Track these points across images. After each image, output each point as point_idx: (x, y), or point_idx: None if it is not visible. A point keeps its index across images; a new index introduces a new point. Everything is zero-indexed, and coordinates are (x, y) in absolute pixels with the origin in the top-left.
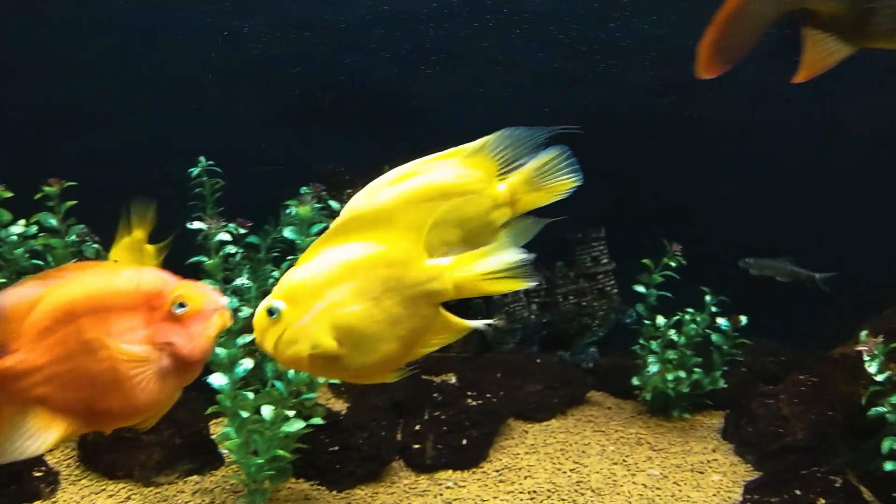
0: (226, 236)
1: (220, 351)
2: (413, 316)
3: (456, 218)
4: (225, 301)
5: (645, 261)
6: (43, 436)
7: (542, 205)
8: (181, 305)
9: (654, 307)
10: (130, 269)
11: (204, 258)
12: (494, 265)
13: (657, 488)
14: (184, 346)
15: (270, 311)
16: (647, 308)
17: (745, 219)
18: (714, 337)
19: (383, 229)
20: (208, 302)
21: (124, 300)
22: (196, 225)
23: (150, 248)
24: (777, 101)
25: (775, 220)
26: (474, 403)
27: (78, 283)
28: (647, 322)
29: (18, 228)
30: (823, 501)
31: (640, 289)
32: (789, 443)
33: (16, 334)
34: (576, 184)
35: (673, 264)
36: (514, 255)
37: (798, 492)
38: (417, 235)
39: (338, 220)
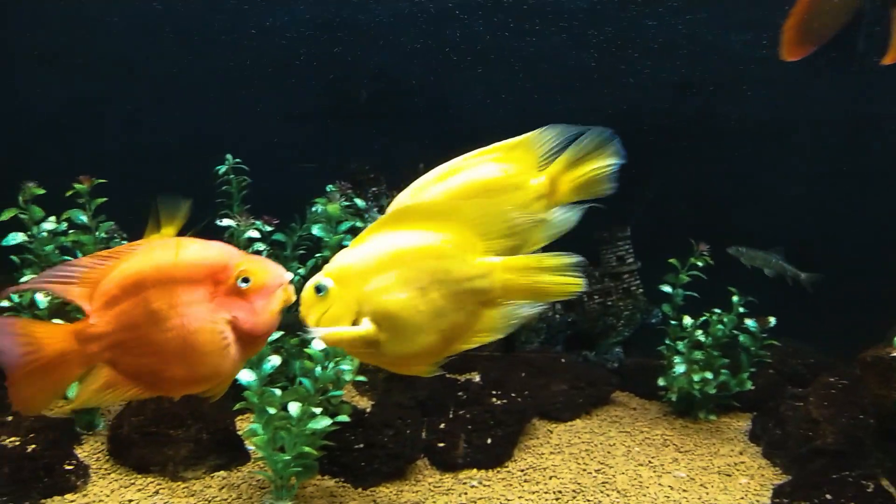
0: (254, 233)
1: None
2: (457, 311)
3: (499, 212)
4: (289, 277)
5: (672, 260)
6: (106, 394)
7: (584, 196)
8: (245, 280)
9: (681, 307)
10: (197, 243)
11: None
12: (545, 266)
13: (684, 490)
14: (246, 321)
15: (318, 288)
16: (674, 308)
17: (774, 218)
18: (742, 338)
19: (437, 222)
20: (272, 277)
21: (190, 273)
22: (225, 222)
23: None
24: (808, 98)
25: (805, 220)
26: (499, 402)
27: (147, 257)
28: (673, 322)
29: (50, 225)
30: None
31: (667, 289)
32: (819, 446)
33: (89, 301)
34: (617, 161)
35: (700, 264)
36: (566, 258)
37: (829, 496)
38: (470, 231)
39: (388, 212)
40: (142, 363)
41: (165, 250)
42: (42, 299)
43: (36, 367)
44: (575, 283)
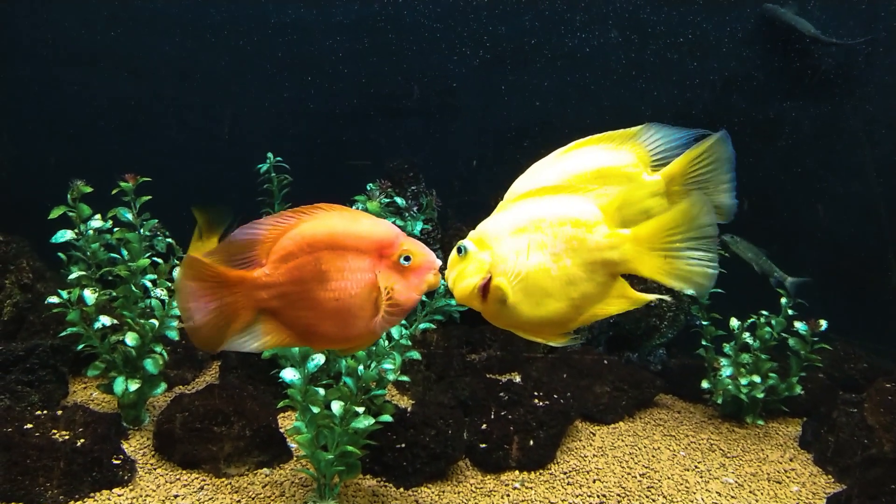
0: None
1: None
2: (588, 280)
3: (626, 201)
4: (439, 263)
5: None
6: (264, 339)
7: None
8: (406, 258)
9: (718, 307)
10: (370, 218)
11: None
12: (674, 245)
13: (732, 497)
14: (400, 294)
15: (459, 249)
16: (701, 309)
17: (826, 218)
18: (791, 341)
19: (577, 192)
20: (427, 261)
21: (360, 243)
22: None
23: None
24: (857, 95)
25: (855, 218)
26: (541, 404)
27: (325, 221)
28: (705, 324)
29: (97, 223)
30: None
31: (690, 290)
32: (875, 455)
33: (266, 253)
34: (733, 175)
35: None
36: (702, 218)
37: None
38: (607, 205)
39: (529, 189)
40: (300, 315)
41: (342, 218)
42: (90, 296)
43: (213, 307)
44: (706, 269)
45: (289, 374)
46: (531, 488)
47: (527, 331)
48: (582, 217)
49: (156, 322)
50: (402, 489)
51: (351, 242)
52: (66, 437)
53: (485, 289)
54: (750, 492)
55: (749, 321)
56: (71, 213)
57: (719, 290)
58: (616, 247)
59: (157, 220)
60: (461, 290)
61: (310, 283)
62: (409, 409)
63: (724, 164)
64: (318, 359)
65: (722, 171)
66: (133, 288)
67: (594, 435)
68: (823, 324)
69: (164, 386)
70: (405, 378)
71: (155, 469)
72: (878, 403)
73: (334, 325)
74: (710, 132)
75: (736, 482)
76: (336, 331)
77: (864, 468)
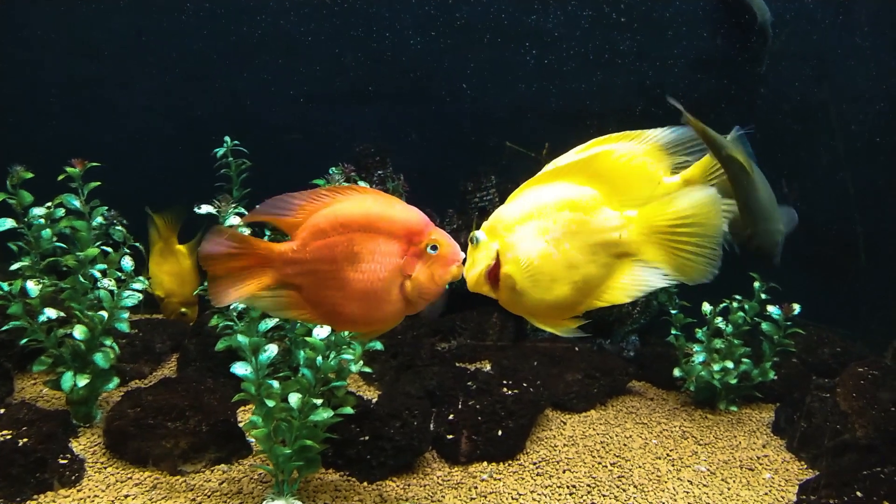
0: (236, 220)
1: (242, 339)
2: (590, 263)
3: (631, 200)
4: (463, 256)
5: None
6: (285, 312)
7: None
8: (434, 248)
9: (691, 294)
10: (402, 204)
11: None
12: (680, 225)
13: (704, 485)
14: (425, 282)
15: (472, 239)
16: (670, 297)
17: (798, 201)
18: (764, 326)
19: (580, 177)
20: (453, 252)
21: (392, 229)
22: (204, 209)
23: (182, 248)
24: (835, 76)
25: (827, 201)
26: (510, 393)
27: (360, 203)
28: (674, 312)
29: (41, 210)
30: None
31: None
32: (848, 440)
33: (297, 228)
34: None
35: None
36: (714, 219)
37: (859, 493)
38: (610, 187)
39: (543, 170)
40: (326, 294)
41: (377, 202)
42: (33, 287)
43: (235, 266)
44: (707, 267)
45: (239, 370)
46: (500, 479)
47: (538, 316)
48: (580, 200)
49: (105, 314)
50: (366, 483)
51: (384, 226)
52: (8, 437)
53: (495, 276)
54: (722, 479)
55: (722, 306)
56: (11, 201)
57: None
58: (620, 228)
59: (107, 208)
60: (471, 278)
61: (340, 263)
62: (373, 401)
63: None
64: (270, 351)
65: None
66: (81, 279)
67: (565, 424)
68: (797, 307)
69: (116, 381)
70: (368, 369)
71: (105, 468)
72: (851, 388)
73: (360, 306)
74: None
75: (708, 470)
76: (361, 313)
77: (837, 454)
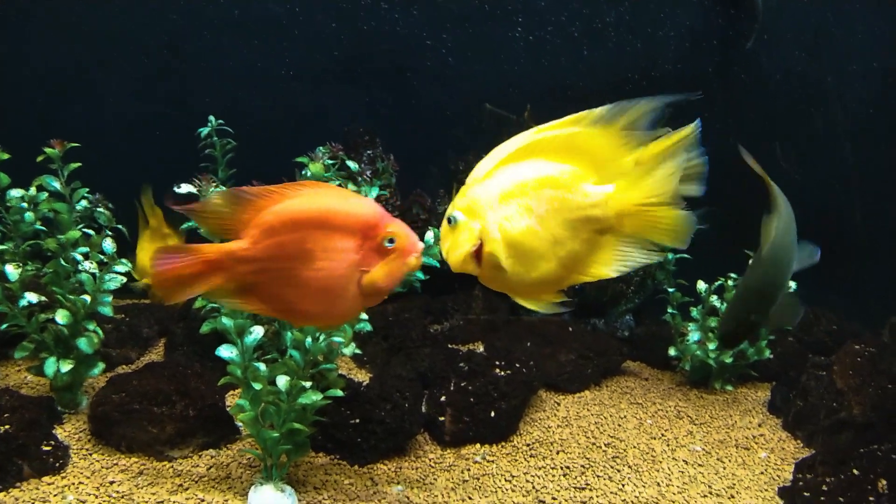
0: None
1: (227, 321)
2: (573, 239)
3: (609, 176)
4: (422, 246)
5: None
6: (241, 307)
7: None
8: (391, 241)
9: (687, 272)
10: (358, 198)
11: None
12: (658, 197)
13: (699, 465)
14: (381, 276)
15: (449, 220)
16: (668, 275)
17: (795, 177)
18: None
19: (557, 154)
20: (411, 244)
21: (347, 224)
22: (184, 189)
23: (170, 231)
24: (827, 53)
25: (829, 178)
26: (503, 374)
27: (312, 198)
28: (671, 290)
29: (18, 192)
30: (885, 482)
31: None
32: (845, 418)
33: (247, 225)
34: (704, 167)
35: None
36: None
37: (856, 471)
38: (588, 162)
39: (517, 147)
40: (280, 292)
41: (330, 197)
42: (13, 271)
43: (184, 272)
44: (685, 223)
45: (225, 352)
46: (493, 461)
47: (521, 293)
48: (560, 178)
49: (88, 298)
50: (356, 466)
51: (337, 221)
52: None
53: (478, 255)
54: (717, 459)
55: (717, 284)
56: None
57: (686, 256)
58: (599, 204)
59: (87, 190)
60: (455, 259)
61: (293, 262)
62: (364, 383)
63: (695, 157)
64: (256, 333)
65: (693, 165)
66: (63, 262)
67: (559, 405)
68: (792, 285)
69: (102, 366)
70: (358, 351)
71: (91, 454)
72: (848, 366)
73: (316, 304)
74: (684, 96)
75: (703, 450)
76: (317, 309)
77: (833, 432)
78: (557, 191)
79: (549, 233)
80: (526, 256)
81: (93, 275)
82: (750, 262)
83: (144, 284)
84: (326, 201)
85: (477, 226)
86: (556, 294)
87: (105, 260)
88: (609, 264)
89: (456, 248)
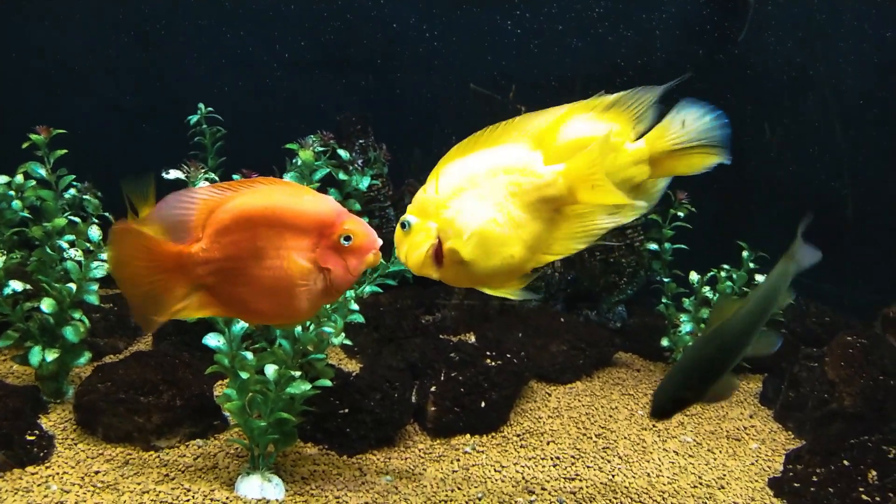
0: (206, 185)
1: None
2: (535, 220)
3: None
4: (380, 243)
5: (652, 216)
6: (198, 311)
7: (682, 174)
8: (347, 238)
9: (680, 263)
10: (312, 195)
11: None
12: (599, 161)
13: (690, 456)
14: (338, 275)
15: (403, 225)
16: (664, 266)
17: (788, 166)
18: None
19: (501, 142)
20: (368, 241)
21: (300, 221)
22: (172, 175)
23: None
24: (823, 41)
25: (820, 167)
26: (494, 364)
27: (264, 196)
28: (666, 280)
29: (3, 179)
30: (875, 473)
31: (653, 246)
32: (836, 409)
33: (202, 226)
34: (720, 160)
35: (681, 214)
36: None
37: (846, 462)
38: (536, 144)
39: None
40: (236, 292)
41: (283, 195)
42: None
43: (149, 282)
44: (615, 189)
45: (212, 341)
46: (482, 452)
47: (486, 284)
48: (512, 163)
49: (73, 286)
50: (345, 457)
51: (290, 219)
52: None
53: (438, 255)
54: (708, 450)
55: (709, 274)
56: None
57: (682, 247)
58: (552, 183)
59: (74, 177)
60: (415, 262)
61: (246, 261)
62: (354, 373)
63: (704, 128)
64: (244, 322)
65: (705, 135)
66: (49, 250)
67: (550, 395)
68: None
69: (88, 355)
70: (348, 342)
71: (76, 444)
72: (839, 357)
73: (271, 303)
74: (680, 79)
75: (694, 441)
76: (271, 308)
77: (824, 423)
78: (511, 175)
79: (509, 218)
80: (488, 245)
81: (78, 263)
82: (699, 335)
83: None
84: (279, 199)
85: (432, 225)
86: (521, 279)
87: (91, 248)
88: (574, 238)
89: (414, 250)
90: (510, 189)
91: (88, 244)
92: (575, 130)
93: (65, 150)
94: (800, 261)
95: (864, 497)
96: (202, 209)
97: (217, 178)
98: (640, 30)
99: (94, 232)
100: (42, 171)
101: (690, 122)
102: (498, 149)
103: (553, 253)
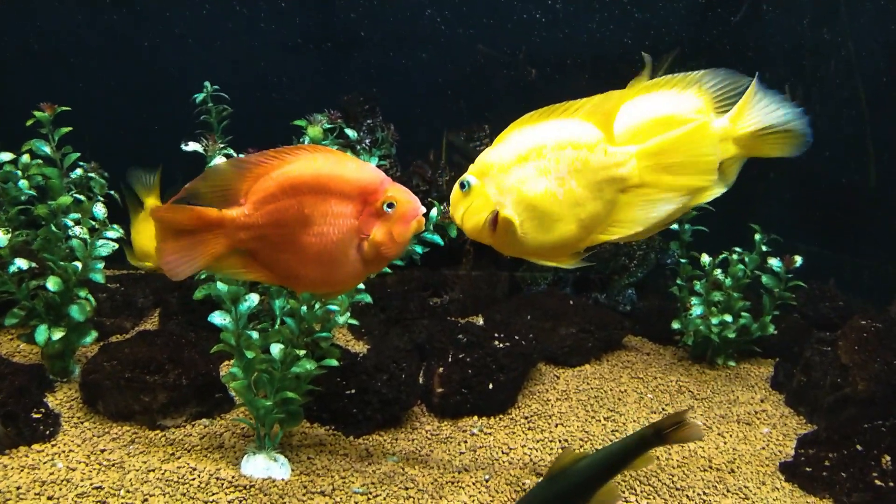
0: (222, 160)
1: (222, 287)
2: (595, 200)
3: (692, 148)
4: (423, 210)
5: None
6: (243, 275)
7: (764, 153)
8: (390, 205)
9: (693, 244)
10: (356, 162)
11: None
12: (682, 152)
13: (700, 440)
14: (383, 243)
15: (462, 185)
16: (682, 246)
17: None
18: (765, 279)
19: (574, 117)
20: (412, 208)
21: (345, 189)
22: (191, 146)
23: None
24: (840, 22)
25: (833, 150)
26: (502, 346)
27: (309, 164)
28: (682, 261)
29: (6, 156)
30: (889, 458)
31: (673, 226)
32: (849, 394)
33: (246, 192)
34: (805, 127)
35: None
36: (703, 147)
37: (859, 447)
38: (607, 121)
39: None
40: (280, 258)
41: (327, 161)
42: (2, 237)
43: (187, 240)
44: (708, 170)
45: (218, 319)
46: (490, 434)
47: (538, 256)
48: (581, 139)
49: (79, 265)
50: (352, 437)
51: (335, 186)
52: None
53: (493, 221)
54: (718, 434)
55: (721, 257)
56: None
57: (701, 228)
58: (623, 163)
59: (78, 155)
60: (472, 227)
61: (292, 227)
62: (361, 354)
63: (785, 105)
64: (251, 300)
65: (785, 111)
66: (54, 228)
67: (558, 378)
68: (798, 260)
69: (94, 334)
70: (354, 322)
71: (82, 423)
72: (853, 341)
73: (316, 269)
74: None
75: (704, 425)
76: (318, 275)
77: (837, 408)
78: (579, 151)
79: (570, 195)
80: (544, 219)
81: (83, 241)
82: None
83: (148, 268)
84: (323, 166)
85: (493, 190)
86: (573, 256)
87: (96, 226)
88: (635, 221)
89: (472, 214)
90: (575, 165)
91: (94, 222)
92: (656, 108)
93: (69, 128)
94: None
95: (877, 482)
96: (248, 176)
97: (233, 153)
98: (647, 11)
99: (100, 209)
100: (46, 149)
101: (774, 107)
102: (569, 122)
103: (610, 234)
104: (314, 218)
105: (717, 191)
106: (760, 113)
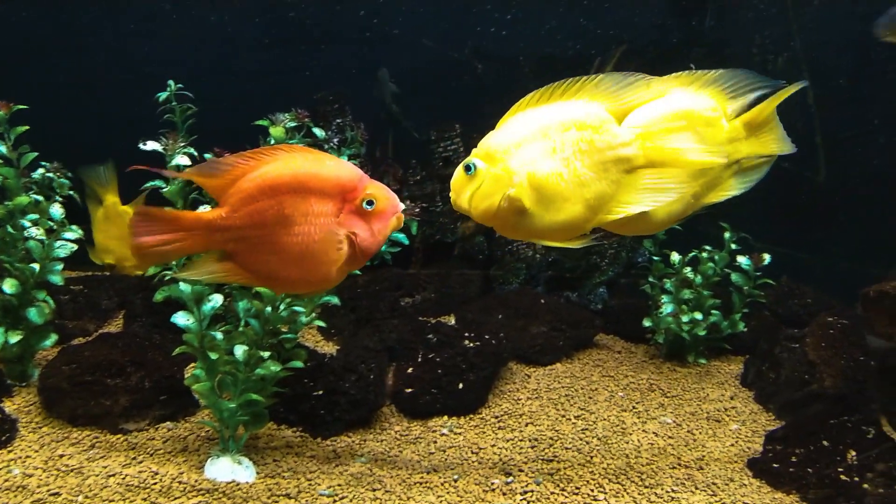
0: (185, 160)
1: (184, 287)
2: (601, 180)
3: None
4: (402, 206)
5: None
6: (222, 277)
7: (765, 152)
8: (370, 203)
9: (664, 243)
10: (334, 160)
11: (161, 183)
12: (677, 115)
13: (669, 437)
14: (364, 239)
15: (468, 168)
16: (655, 244)
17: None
18: (734, 277)
19: (577, 97)
20: (391, 204)
21: (324, 187)
22: (149, 145)
23: (126, 209)
24: (803, 20)
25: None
26: (472, 345)
27: (287, 164)
28: (655, 259)
29: None
30: (854, 453)
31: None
32: (816, 390)
33: (225, 194)
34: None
35: None
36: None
37: (826, 443)
38: (612, 102)
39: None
40: (261, 259)
41: (306, 161)
42: None
43: (160, 240)
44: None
45: (181, 319)
46: (460, 433)
47: (544, 237)
48: (587, 120)
49: (36, 266)
50: (319, 439)
51: (314, 185)
52: None
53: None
54: (688, 431)
55: (691, 256)
56: None
57: (676, 227)
58: (629, 143)
59: (34, 154)
60: (484, 210)
61: (272, 228)
62: (329, 355)
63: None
64: (215, 301)
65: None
66: (11, 229)
67: (529, 377)
68: (767, 257)
69: (54, 337)
70: (321, 322)
71: (40, 427)
72: (820, 338)
73: (297, 269)
74: (784, 82)
75: (674, 422)
76: (299, 275)
77: (804, 404)
78: (583, 132)
79: (576, 175)
80: (551, 200)
81: (41, 242)
82: None
83: (108, 265)
84: (302, 165)
85: (500, 172)
86: (579, 238)
87: (54, 227)
88: (641, 200)
89: (484, 198)
90: (580, 146)
91: (51, 223)
92: (675, 104)
93: (26, 127)
94: None
95: (842, 477)
96: (226, 178)
97: (195, 152)
98: (622, 9)
99: (57, 210)
100: (3, 148)
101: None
102: (573, 103)
103: (615, 213)
104: (295, 217)
105: (733, 191)
106: (774, 134)
